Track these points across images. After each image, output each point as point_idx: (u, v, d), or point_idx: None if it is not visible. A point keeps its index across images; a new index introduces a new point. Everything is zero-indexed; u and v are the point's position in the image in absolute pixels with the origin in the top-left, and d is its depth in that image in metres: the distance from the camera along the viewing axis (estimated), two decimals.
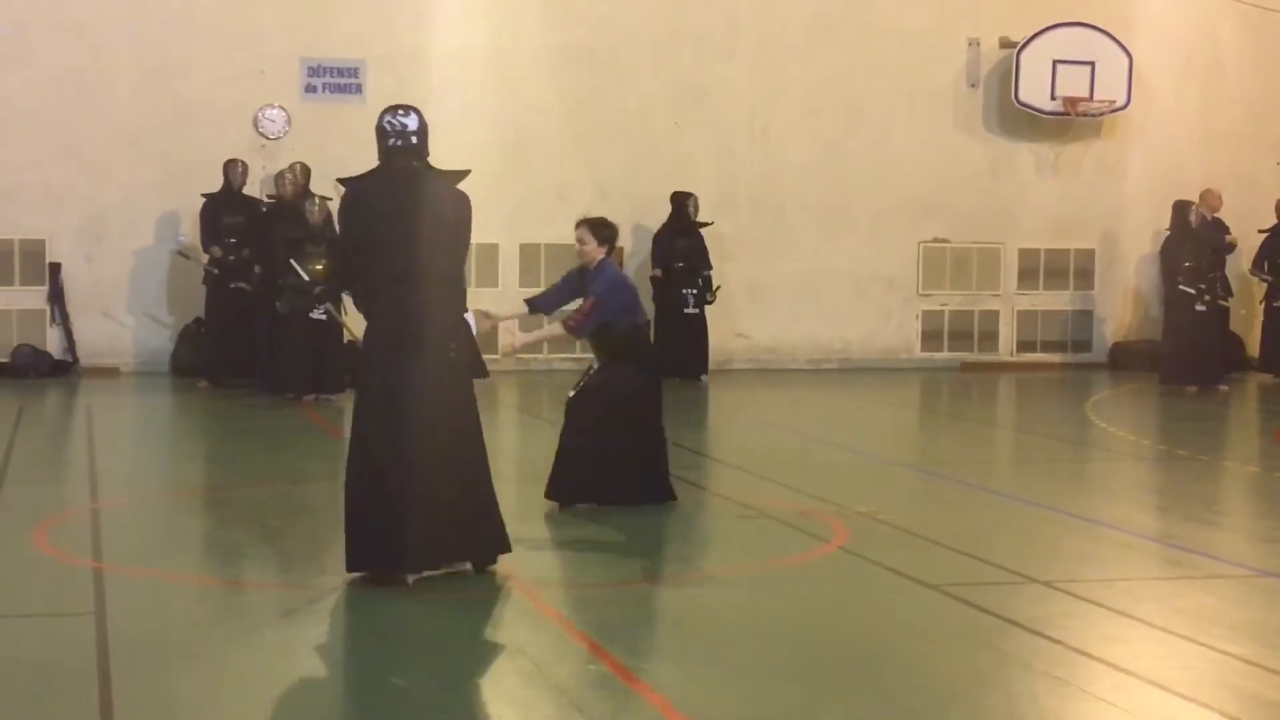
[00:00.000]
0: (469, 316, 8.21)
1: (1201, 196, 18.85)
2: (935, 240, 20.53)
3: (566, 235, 19.17)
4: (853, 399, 17.74)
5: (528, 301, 10.54)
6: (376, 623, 7.49)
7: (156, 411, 16.31)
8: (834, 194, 20.13)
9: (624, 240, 18.75)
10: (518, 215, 19.14)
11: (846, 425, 15.52)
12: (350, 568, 7.94)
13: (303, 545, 9.16)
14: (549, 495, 10.13)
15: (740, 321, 19.72)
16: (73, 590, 7.95)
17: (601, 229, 10.16)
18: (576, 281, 10.31)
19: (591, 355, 10.50)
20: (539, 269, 19.29)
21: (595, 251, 10.13)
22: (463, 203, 8.11)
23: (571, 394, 10.35)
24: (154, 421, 15.78)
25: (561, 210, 19.20)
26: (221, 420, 15.14)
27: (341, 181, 8.33)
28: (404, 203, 7.89)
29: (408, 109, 8.05)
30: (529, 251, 19.31)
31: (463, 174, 8.26)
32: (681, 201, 18.71)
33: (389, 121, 7.99)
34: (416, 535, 7.82)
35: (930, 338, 20.65)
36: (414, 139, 7.96)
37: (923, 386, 19.18)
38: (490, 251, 19.16)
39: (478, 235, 20.00)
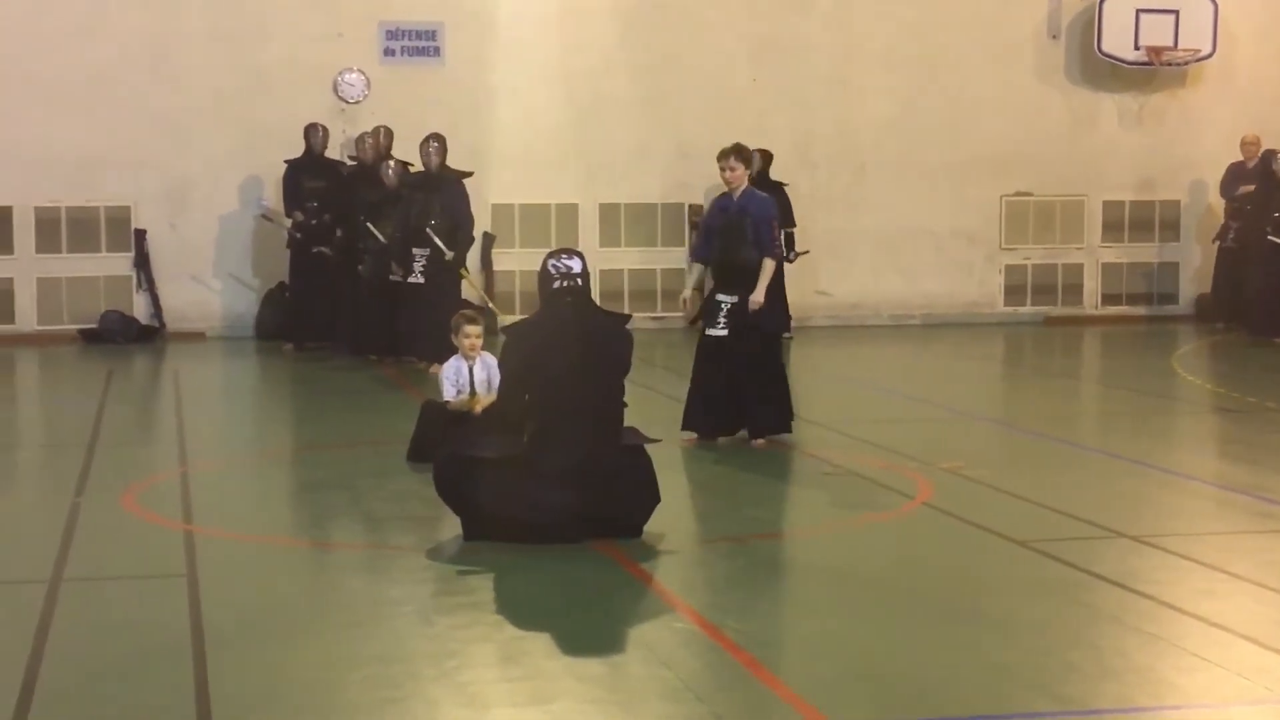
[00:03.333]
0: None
1: None
2: (1017, 194, 20.33)
3: (646, 194, 19.46)
4: (935, 355, 17.63)
5: (697, 261, 11.44)
6: (464, 581, 7.53)
7: (242, 375, 16.46)
8: (913, 148, 19.98)
9: (702, 199, 18.76)
10: (596, 175, 19.15)
11: (930, 381, 15.43)
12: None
13: (388, 505, 9.22)
14: (688, 427, 11.01)
15: (821, 279, 19.63)
16: (164, 552, 8.04)
17: (744, 153, 11.03)
18: (718, 217, 11.08)
19: (713, 292, 11.04)
20: (619, 228, 19.30)
21: (743, 176, 10.98)
22: (626, 339, 8.38)
23: (714, 331, 10.88)
24: (240, 385, 15.93)
25: (640, 169, 19.27)
26: (305, 383, 15.26)
27: (505, 329, 8.70)
28: (571, 340, 8.12)
29: (571, 253, 8.38)
30: (608, 211, 19.31)
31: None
32: (765, 159, 18.53)
33: (554, 265, 8.27)
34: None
35: (1013, 292, 20.47)
36: (579, 280, 8.24)
37: (1006, 341, 19.04)
38: (570, 211, 19.17)
39: (558, 195, 20.19)
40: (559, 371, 8.07)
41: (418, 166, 15.74)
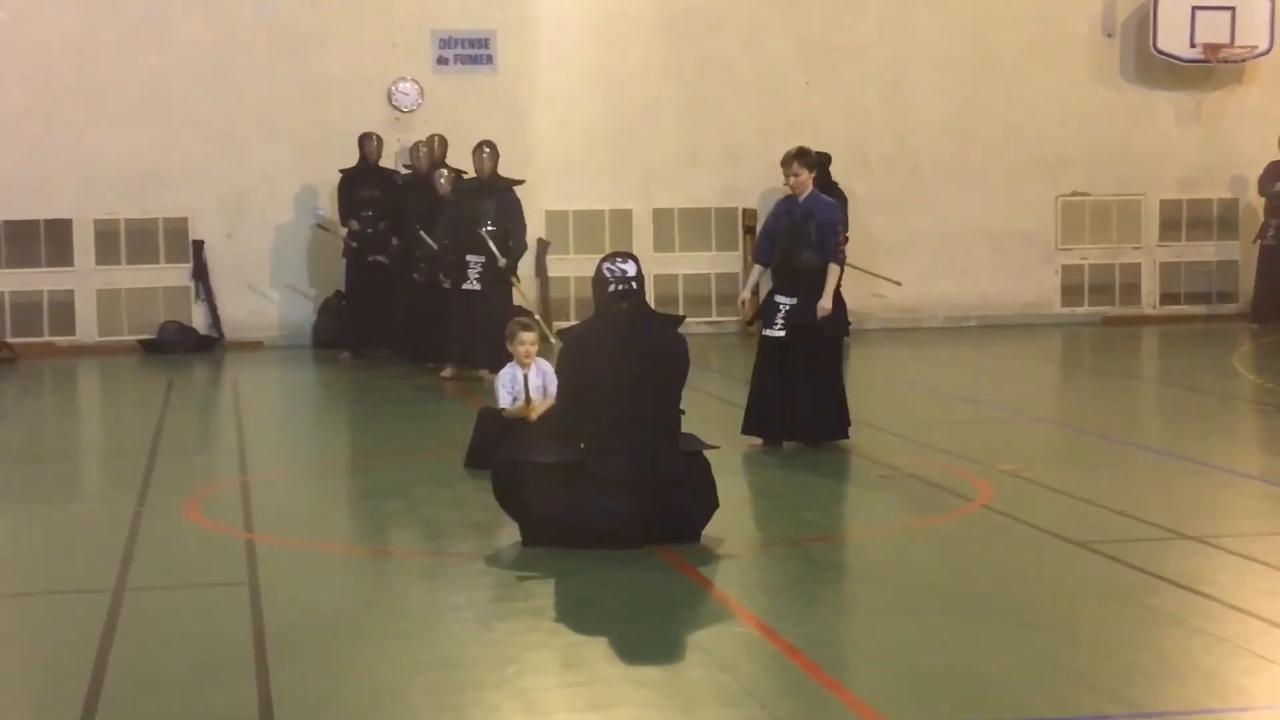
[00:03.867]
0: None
1: None
2: (1074, 194, 20.21)
3: (699, 199, 19.46)
4: (993, 356, 17.55)
5: (759, 262, 11.31)
6: (522, 587, 7.54)
7: (300, 384, 16.55)
8: (968, 149, 19.89)
9: (757, 204, 18.75)
10: (649, 181, 19.16)
11: (987, 382, 15.36)
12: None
13: (446, 512, 9.24)
14: (747, 431, 10.95)
15: (876, 281, 19.58)
16: (226, 561, 8.09)
17: (808, 157, 11.01)
18: (783, 220, 11.01)
19: (772, 293, 11.00)
20: (672, 233, 19.30)
21: (808, 181, 10.96)
22: (682, 345, 8.36)
23: (772, 332, 10.86)
24: (298, 393, 16.02)
25: (693, 175, 19.27)
26: (363, 391, 15.33)
27: (560, 334, 8.70)
28: (626, 345, 8.14)
29: (625, 256, 8.37)
30: (662, 217, 19.31)
31: (674, 317, 8.75)
32: (823, 161, 18.32)
33: (609, 268, 8.28)
34: None
35: (1070, 292, 20.35)
36: (634, 284, 8.23)
37: (1064, 342, 18.93)
38: (623, 217, 19.19)
39: (611, 201, 20.19)
40: (616, 377, 8.06)
41: (471, 174, 15.77)
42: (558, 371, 8.53)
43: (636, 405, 8.03)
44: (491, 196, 15.16)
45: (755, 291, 11.50)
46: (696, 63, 19.25)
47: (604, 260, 8.36)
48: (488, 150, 15.26)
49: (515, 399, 10.18)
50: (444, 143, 17.13)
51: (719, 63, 19.30)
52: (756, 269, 11.40)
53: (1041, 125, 19.99)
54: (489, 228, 15.00)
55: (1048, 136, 19.99)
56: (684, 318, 8.93)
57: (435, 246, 15.71)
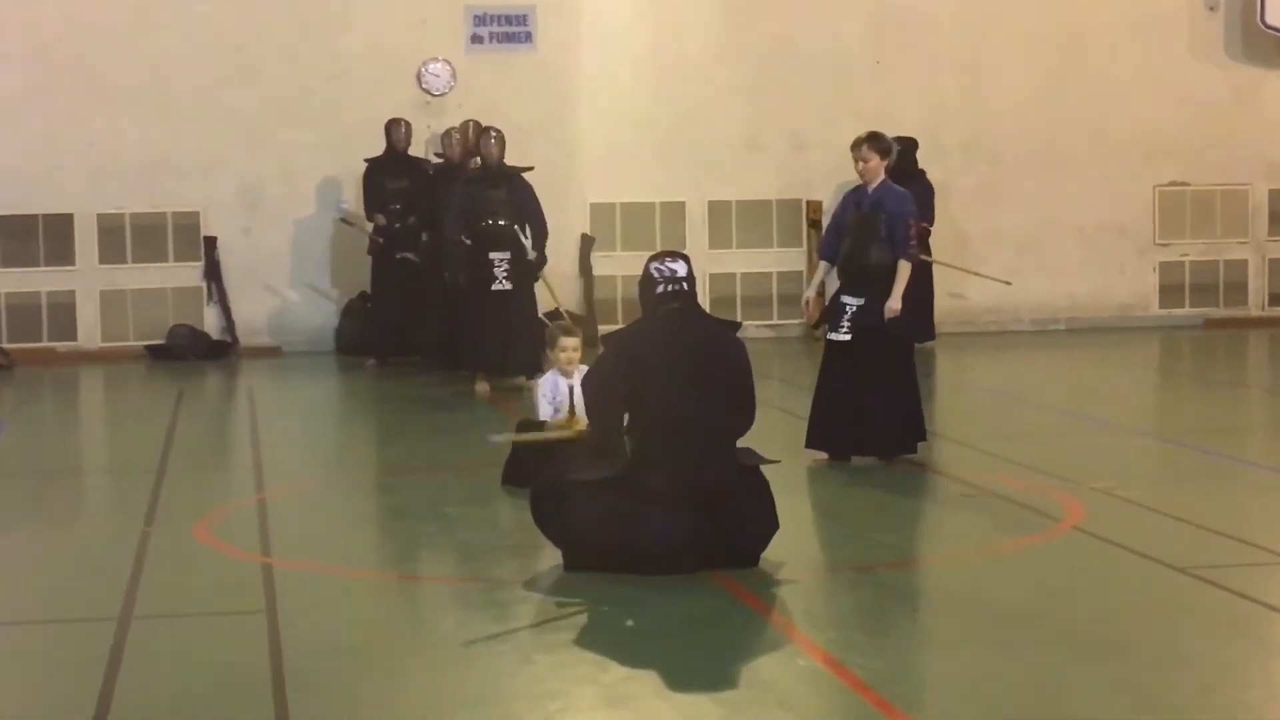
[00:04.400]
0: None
1: None
2: (1172, 184, 20.13)
3: (759, 190, 19.45)
4: (1083, 362, 17.48)
5: (824, 259, 11.30)
6: (565, 616, 7.55)
7: (322, 393, 16.62)
8: (1055, 135, 19.82)
9: (823, 196, 18.74)
10: (703, 170, 19.17)
11: (1077, 391, 15.30)
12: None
13: (482, 534, 9.26)
14: (811, 445, 10.95)
15: (954, 280, 19.52)
16: (241, 587, 8.12)
17: (880, 141, 10.96)
18: (850, 212, 10.99)
19: (837, 293, 10.99)
20: (729, 228, 19.30)
21: (878, 168, 10.92)
22: (739, 348, 8.38)
23: (837, 335, 10.88)
24: (320, 404, 16.08)
25: (752, 164, 19.27)
26: (391, 401, 15.38)
27: (604, 339, 8.65)
28: (678, 349, 8.17)
29: (675, 255, 8.40)
30: (718, 209, 19.32)
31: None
32: (908, 147, 18.09)
33: (656, 268, 8.31)
34: None
35: (1169, 292, 20.26)
36: (685, 284, 8.27)
37: (1162, 346, 18.85)
38: (675, 210, 19.21)
39: (662, 193, 20.18)
40: (667, 382, 8.08)
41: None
42: (596, 380, 8.37)
43: (688, 415, 8.04)
44: (502, 185, 15.15)
45: (820, 291, 11.50)
46: (757, 41, 19.25)
47: (652, 260, 8.38)
48: (495, 136, 15.27)
49: (558, 410, 10.19)
50: (479, 129, 17.15)
51: (781, 40, 19.30)
52: (822, 266, 11.38)
53: (1136, 107, 19.90)
54: (504, 224, 14.97)
55: (1144, 120, 19.90)
56: (740, 324, 8.95)
57: (468, 242, 15.69)
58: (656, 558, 7.94)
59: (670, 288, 8.25)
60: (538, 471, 8.99)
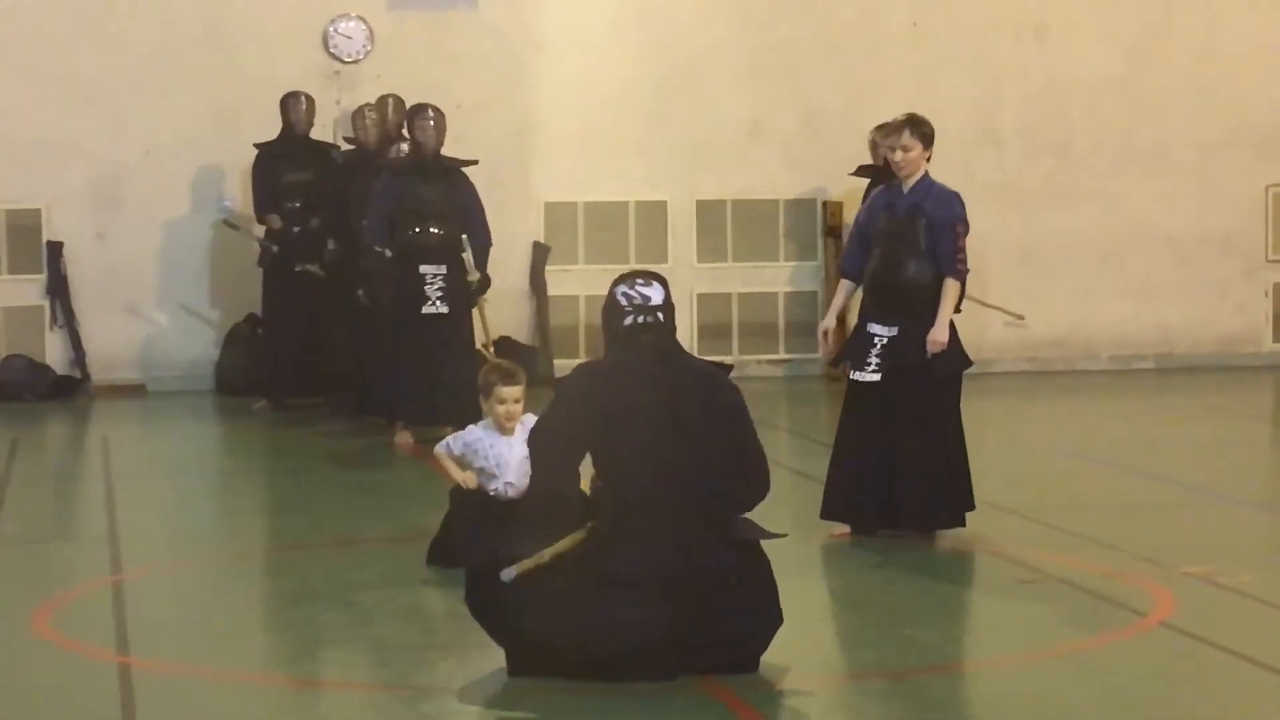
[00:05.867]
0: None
1: None
2: None
3: (763, 187, 19.49)
4: (1175, 411, 17.56)
5: (847, 276, 11.29)
6: None
7: (197, 444, 16.62)
8: (1142, 120, 19.94)
9: (843, 195, 18.79)
10: (693, 161, 19.24)
11: (1168, 449, 15.35)
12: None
13: (403, 627, 9.27)
14: (829, 515, 11.00)
15: (1010, 302, 19.57)
16: (90, 694, 8.10)
17: (920, 127, 10.97)
18: (881, 217, 10.97)
19: (864, 320, 11.01)
20: (724, 233, 19.33)
21: (919, 160, 10.93)
22: (732, 393, 8.40)
23: (863, 375, 10.87)
24: (195, 459, 16.07)
25: (754, 152, 19.33)
26: (287, 456, 15.39)
27: (560, 379, 8.65)
28: (656, 391, 8.20)
29: (648, 277, 8.41)
30: (709, 210, 19.36)
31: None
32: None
33: (624, 293, 8.33)
34: None
35: None
36: (659, 314, 8.30)
37: (1276, 391, 18.92)
38: (655, 211, 19.23)
39: (638, 190, 20.24)
40: (637, 437, 8.09)
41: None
42: (547, 432, 8.34)
43: (667, 476, 8.06)
44: (439, 181, 15.07)
45: (842, 318, 11.53)
46: (760, 5, 19.31)
47: (618, 283, 8.38)
48: (434, 116, 15.13)
49: (495, 477, 10.12)
50: (400, 107, 17.18)
51: (791, 4, 19.36)
52: (844, 286, 11.38)
53: (1245, 87, 20.03)
54: (433, 229, 14.89)
55: (1255, 103, 20.03)
56: (731, 366, 8.90)
57: (390, 254, 15.71)
58: (627, 659, 7.94)
59: (641, 319, 8.27)
60: (475, 547, 8.98)
